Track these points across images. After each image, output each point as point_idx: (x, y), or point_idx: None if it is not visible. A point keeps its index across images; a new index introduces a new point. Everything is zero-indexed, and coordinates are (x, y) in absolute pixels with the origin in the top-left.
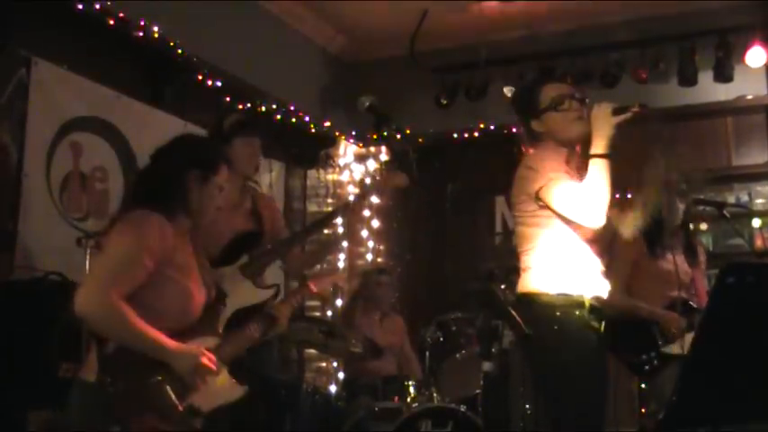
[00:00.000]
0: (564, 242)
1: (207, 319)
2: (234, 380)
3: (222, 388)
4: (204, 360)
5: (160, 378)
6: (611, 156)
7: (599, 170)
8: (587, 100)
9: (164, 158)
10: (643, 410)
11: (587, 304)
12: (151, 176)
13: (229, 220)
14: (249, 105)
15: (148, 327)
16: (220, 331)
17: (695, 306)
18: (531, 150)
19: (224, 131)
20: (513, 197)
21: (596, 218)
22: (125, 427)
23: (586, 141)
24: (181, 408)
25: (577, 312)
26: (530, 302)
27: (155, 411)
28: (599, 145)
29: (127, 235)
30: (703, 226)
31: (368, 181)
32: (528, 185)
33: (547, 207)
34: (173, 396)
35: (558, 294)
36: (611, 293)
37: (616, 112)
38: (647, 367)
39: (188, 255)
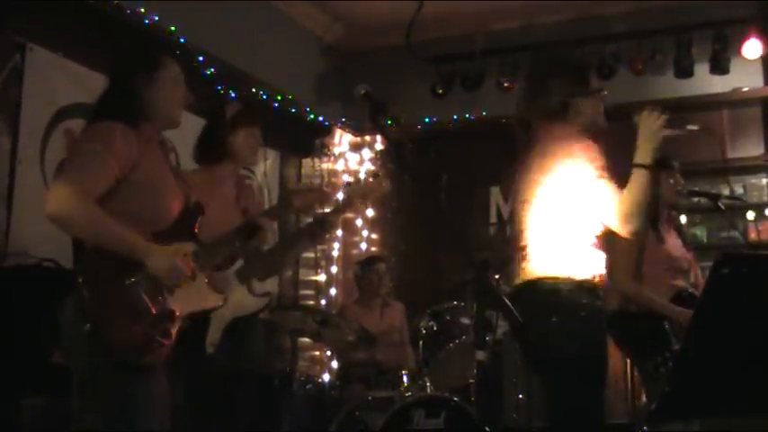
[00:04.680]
0: (578, 229)
1: (184, 226)
2: (211, 288)
3: (198, 294)
4: (180, 262)
5: (134, 280)
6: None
7: (641, 180)
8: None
9: (115, 73)
10: (635, 401)
11: (593, 288)
12: (106, 92)
13: (226, 219)
14: (246, 93)
15: (123, 227)
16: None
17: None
18: (548, 134)
19: (226, 121)
20: (525, 186)
21: (631, 228)
22: (96, 326)
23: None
24: (154, 311)
25: (585, 297)
26: (541, 290)
27: (127, 313)
28: (644, 154)
29: (92, 142)
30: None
31: (359, 177)
32: (567, 176)
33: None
34: (146, 298)
35: (568, 279)
36: (621, 283)
37: (670, 125)
38: (662, 369)
39: (157, 160)
